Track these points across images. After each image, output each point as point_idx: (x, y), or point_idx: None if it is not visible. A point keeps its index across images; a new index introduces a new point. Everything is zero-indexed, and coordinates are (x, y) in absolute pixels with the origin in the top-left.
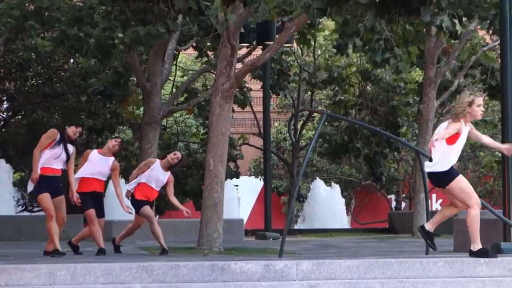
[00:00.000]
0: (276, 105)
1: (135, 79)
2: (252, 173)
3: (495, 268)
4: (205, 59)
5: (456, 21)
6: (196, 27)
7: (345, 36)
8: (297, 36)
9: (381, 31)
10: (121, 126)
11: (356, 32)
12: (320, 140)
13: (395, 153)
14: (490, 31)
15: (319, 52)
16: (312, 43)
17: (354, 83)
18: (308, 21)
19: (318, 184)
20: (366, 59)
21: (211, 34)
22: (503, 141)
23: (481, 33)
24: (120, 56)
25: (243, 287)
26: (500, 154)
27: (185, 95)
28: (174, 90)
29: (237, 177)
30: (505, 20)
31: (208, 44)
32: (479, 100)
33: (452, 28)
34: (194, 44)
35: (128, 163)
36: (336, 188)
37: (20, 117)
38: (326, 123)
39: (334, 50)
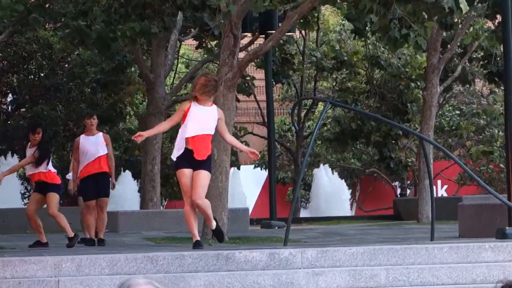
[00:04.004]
0: (280, 94)
1: (133, 67)
2: (256, 164)
3: (500, 253)
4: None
5: None
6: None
7: (357, 15)
8: (300, 21)
9: (394, 11)
10: (119, 120)
11: (369, 10)
12: (332, 123)
13: (404, 140)
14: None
15: (322, 35)
16: (315, 27)
17: (361, 69)
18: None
19: (321, 170)
20: (384, 41)
21: (206, 30)
22: (506, 130)
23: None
24: (119, 46)
25: (248, 276)
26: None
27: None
28: (175, 80)
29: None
30: (507, 5)
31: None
32: None
33: (455, 8)
34: (200, 34)
35: (131, 154)
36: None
37: (24, 110)
38: (336, 109)
39: (339, 36)
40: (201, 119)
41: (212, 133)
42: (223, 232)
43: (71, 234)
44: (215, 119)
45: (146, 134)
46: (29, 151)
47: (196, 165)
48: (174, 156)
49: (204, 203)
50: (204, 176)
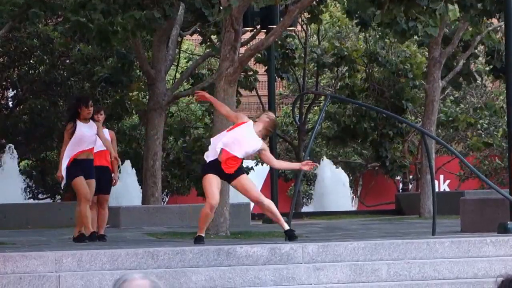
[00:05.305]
0: (284, 87)
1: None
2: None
3: (501, 247)
4: (209, 43)
5: (453, 6)
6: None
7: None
8: (307, 16)
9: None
10: (126, 116)
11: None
12: (328, 121)
13: (400, 139)
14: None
15: (324, 31)
16: (322, 20)
17: (360, 67)
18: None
19: (325, 164)
20: (390, 34)
21: (208, 25)
22: (508, 126)
23: None
24: (122, 41)
25: (249, 271)
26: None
27: (191, 81)
28: (177, 76)
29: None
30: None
31: (212, 29)
32: None
33: (445, 14)
34: (199, 30)
35: (129, 148)
36: (342, 171)
37: (24, 105)
38: (333, 104)
39: (340, 33)
40: (241, 139)
41: (242, 157)
42: (294, 234)
43: (77, 234)
44: (255, 148)
45: (209, 97)
46: (84, 126)
47: (227, 176)
48: (206, 158)
49: (265, 203)
50: (245, 180)
